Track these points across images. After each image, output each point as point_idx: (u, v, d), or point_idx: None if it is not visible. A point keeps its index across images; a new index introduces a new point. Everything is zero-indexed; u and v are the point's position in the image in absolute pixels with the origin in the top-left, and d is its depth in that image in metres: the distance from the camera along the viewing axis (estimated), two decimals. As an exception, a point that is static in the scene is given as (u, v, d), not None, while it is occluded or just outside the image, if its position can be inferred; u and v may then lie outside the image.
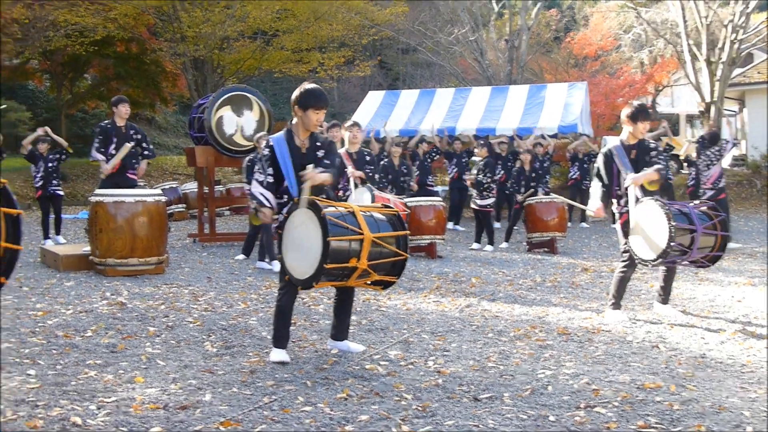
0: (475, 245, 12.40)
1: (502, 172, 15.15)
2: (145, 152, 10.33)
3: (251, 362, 5.05)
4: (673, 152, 15.14)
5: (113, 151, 9.87)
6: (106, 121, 10.18)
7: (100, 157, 9.84)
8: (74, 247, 10.58)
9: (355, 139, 9.65)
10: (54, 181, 12.32)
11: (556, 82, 22.80)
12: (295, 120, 5.21)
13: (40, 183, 12.25)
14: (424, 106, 19.58)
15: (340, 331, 5.39)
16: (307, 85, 5.20)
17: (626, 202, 6.49)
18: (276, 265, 9.22)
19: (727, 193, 13.17)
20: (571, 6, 39.36)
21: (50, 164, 12.23)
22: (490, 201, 12.41)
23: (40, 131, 12.23)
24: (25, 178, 22.42)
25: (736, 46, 24.21)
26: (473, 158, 15.20)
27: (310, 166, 4.99)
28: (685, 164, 13.44)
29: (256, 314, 6.73)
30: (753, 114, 27.39)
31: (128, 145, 9.85)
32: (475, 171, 12.48)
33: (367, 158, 9.80)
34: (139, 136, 10.24)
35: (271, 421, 3.86)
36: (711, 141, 12.59)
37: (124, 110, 10.04)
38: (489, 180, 12.30)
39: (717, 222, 6.46)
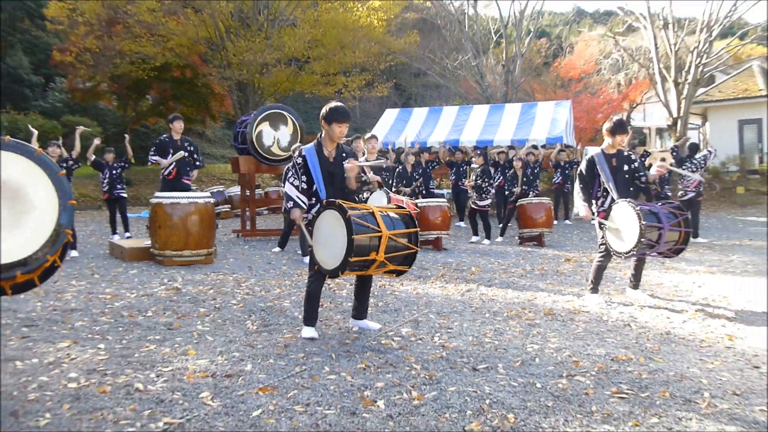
0: (474, 238, 12.39)
1: (501, 177, 15.13)
2: (197, 162, 10.43)
3: (285, 338, 5.08)
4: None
5: (170, 159, 9.99)
6: (164, 135, 10.26)
7: (157, 158, 9.97)
8: (137, 241, 10.66)
9: (373, 149, 9.68)
10: (119, 186, 12.40)
11: (545, 100, 22.71)
12: (323, 133, 5.25)
13: (106, 187, 12.35)
14: (433, 122, 19.59)
15: (360, 311, 5.41)
16: (332, 103, 5.22)
17: (603, 203, 6.51)
18: (307, 258, 9.27)
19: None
20: (559, 35, 39.22)
21: (114, 171, 12.32)
22: (488, 202, 12.40)
23: (96, 141, 12.28)
24: (95, 184, 22.62)
25: (700, 69, 24.09)
26: (471, 166, 15.14)
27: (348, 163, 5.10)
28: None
29: (290, 298, 6.76)
30: (714, 127, 27.20)
31: (182, 153, 9.97)
32: (473, 177, 12.46)
33: (383, 166, 9.82)
34: (192, 148, 10.34)
35: (301, 387, 3.90)
36: (692, 151, 12.61)
37: (178, 126, 10.16)
38: (486, 184, 12.29)
39: (681, 220, 6.44)
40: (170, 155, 9.99)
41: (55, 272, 3.80)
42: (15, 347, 4.73)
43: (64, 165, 9.86)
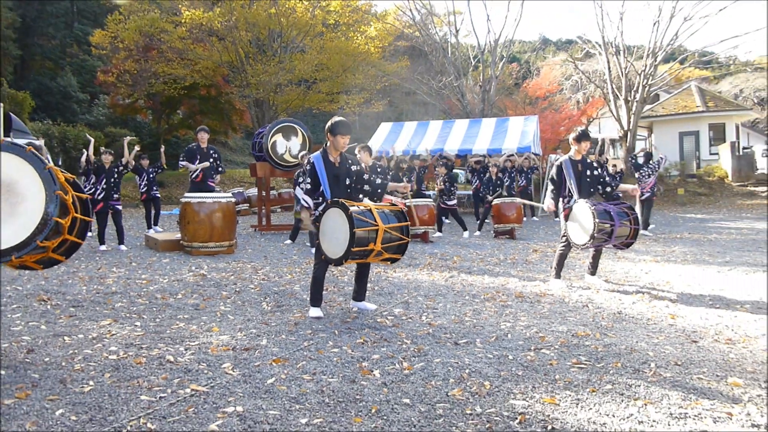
0: (436, 234, 12.19)
1: (478, 181, 15.09)
2: (219, 168, 10.33)
3: (295, 317, 5.06)
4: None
5: (197, 165, 9.93)
6: (193, 144, 10.18)
7: (185, 162, 9.88)
8: (169, 234, 10.62)
9: (367, 157, 9.65)
10: (154, 187, 12.37)
11: (516, 116, 22.69)
12: (328, 143, 5.22)
13: (144, 188, 12.32)
14: (421, 134, 19.53)
15: (359, 294, 5.40)
16: (337, 118, 5.21)
17: (568, 201, 6.50)
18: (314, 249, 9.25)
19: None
20: (527, 60, 39.20)
21: (151, 175, 12.29)
22: (454, 201, 12.50)
23: (137, 148, 12.23)
24: (133, 185, 22.50)
25: (646, 89, 24.13)
26: (455, 171, 15.18)
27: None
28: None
29: (299, 283, 6.74)
30: (658, 138, 27.25)
31: (207, 163, 9.91)
32: (440, 182, 12.51)
33: (378, 169, 9.77)
34: (216, 155, 10.26)
35: (309, 358, 3.88)
36: (647, 158, 12.67)
37: (202, 136, 10.06)
38: (452, 188, 12.46)
39: (631, 218, 6.45)
40: (197, 161, 9.93)
41: (78, 249, 3.78)
42: (63, 324, 4.69)
43: (116, 170, 9.77)
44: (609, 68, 24.84)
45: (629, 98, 24.37)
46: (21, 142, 3.47)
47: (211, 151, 10.17)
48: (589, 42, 27.38)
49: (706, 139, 27.11)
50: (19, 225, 3.31)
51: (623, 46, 24.99)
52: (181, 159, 9.99)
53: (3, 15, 25.20)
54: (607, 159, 14.17)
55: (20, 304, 5.41)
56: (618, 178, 13.18)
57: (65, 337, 4.30)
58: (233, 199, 9.54)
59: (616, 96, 24.83)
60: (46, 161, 3.40)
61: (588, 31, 76.68)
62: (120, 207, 9.88)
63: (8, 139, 3.44)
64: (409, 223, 5.24)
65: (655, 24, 23.61)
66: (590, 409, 3.07)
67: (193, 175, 9.94)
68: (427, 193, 15.77)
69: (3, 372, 3.50)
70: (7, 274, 6.73)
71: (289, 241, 10.63)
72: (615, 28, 29.04)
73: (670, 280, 6.91)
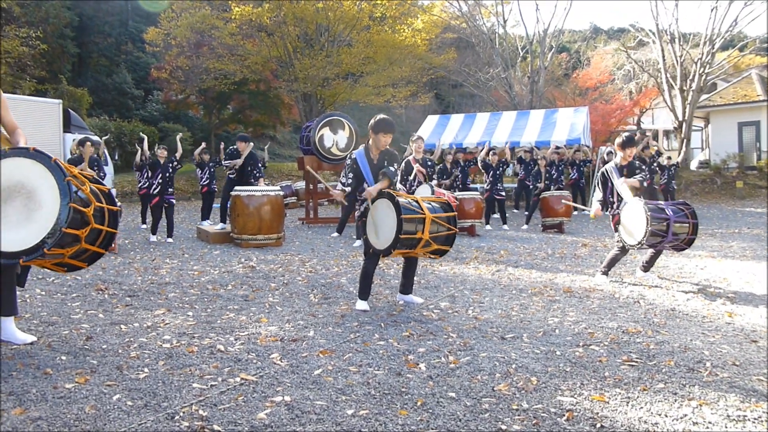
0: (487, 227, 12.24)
1: (523, 173, 14.88)
2: (255, 173, 10.42)
3: (342, 309, 5.10)
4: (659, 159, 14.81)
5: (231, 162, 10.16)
6: (233, 147, 10.44)
7: (228, 162, 10.12)
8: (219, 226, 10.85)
9: (419, 149, 9.64)
10: (213, 181, 12.55)
11: (565, 107, 22.23)
12: (370, 141, 5.24)
13: (206, 181, 12.40)
14: (468, 126, 19.36)
15: (406, 287, 5.40)
16: (380, 116, 5.20)
17: (616, 207, 6.38)
18: (358, 242, 9.31)
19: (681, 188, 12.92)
20: (577, 50, 38.38)
21: (211, 169, 12.45)
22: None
23: (204, 145, 12.64)
24: (186, 179, 23.06)
25: (703, 77, 23.31)
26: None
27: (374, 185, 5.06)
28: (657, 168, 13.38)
29: (346, 275, 6.79)
30: (715, 129, 26.30)
31: (239, 161, 10.13)
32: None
33: (428, 163, 9.78)
34: (252, 161, 10.37)
35: (355, 350, 3.90)
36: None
37: (239, 145, 10.25)
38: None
39: (688, 213, 6.24)
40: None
41: (101, 257, 3.91)
42: (120, 313, 4.86)
43: (170, 165, 10.00)
44: (663, 57, 24.08)
45: (685, 88, 23.59)
46: (37, 147, 3.58)
47: (249, 159, 10.31)
48: (642, 30, 26.63)
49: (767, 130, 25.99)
50: (31, 231, 3.43)
51: (678, 33, 24.18)
52: (224, 158, 10.24)
53: (61, 14, 26.12)
54: (659, 152, 13.79)
55: (79, 293, 5.62)
56: (673, 170, 12.80)
57: (121, 326, 4.44)
58: (281, 193, 9.67)
59: (670, 85, 24.08)
60: (67, 173, 3.49)
61: (641, 19, 74.52)
62: (174, 201, 10.13)
63: (36, 147, 3.56)
64: (456, 213, 5.24)
65: (712, 10, 22.76)
66: (641, 408, 3.00)
67: (231, 174, 10.18)
68: (473, 186, 15.69)
69: (64, 358, 3.65)
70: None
71: (336, 234, 10.71)
72: (670, 14, 27.92)
73: (728, 277, 6.68)
